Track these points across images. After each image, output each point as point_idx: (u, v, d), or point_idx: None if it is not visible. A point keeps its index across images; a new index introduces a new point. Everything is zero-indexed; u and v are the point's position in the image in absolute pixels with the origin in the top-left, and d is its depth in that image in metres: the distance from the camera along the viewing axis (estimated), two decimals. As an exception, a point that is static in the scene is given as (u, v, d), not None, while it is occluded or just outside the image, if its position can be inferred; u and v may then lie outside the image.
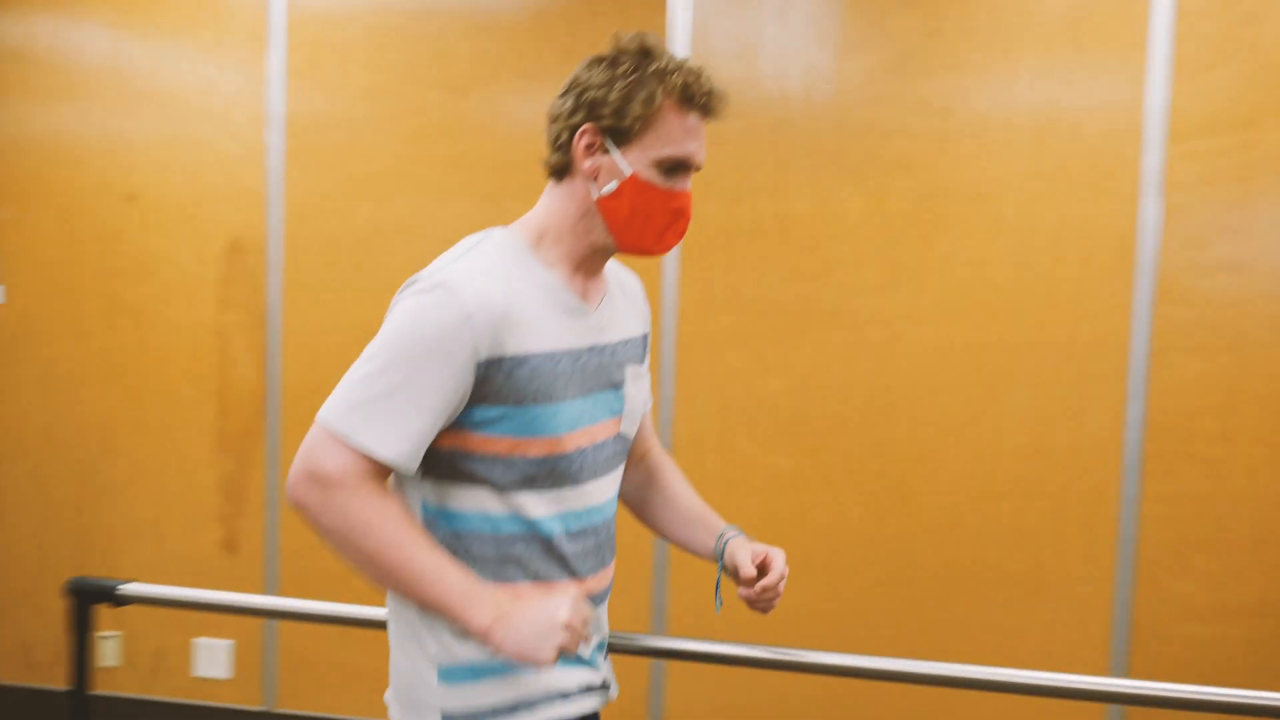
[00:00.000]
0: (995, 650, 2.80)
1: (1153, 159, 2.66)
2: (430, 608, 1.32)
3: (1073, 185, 2.70)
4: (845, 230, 2.83)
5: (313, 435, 1.29)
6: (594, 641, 1.49)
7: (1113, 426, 2.72)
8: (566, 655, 1.37)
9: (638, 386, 1.53)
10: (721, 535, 1.58)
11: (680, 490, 1.66)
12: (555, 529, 1.39)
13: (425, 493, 1.38)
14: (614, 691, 1.53)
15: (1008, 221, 2.75)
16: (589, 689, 1.46)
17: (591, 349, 1.43)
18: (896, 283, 2.81)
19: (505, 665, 1.36)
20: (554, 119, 1.42)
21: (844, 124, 2.81)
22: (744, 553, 1.51)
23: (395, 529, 1.29)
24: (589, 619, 1.32)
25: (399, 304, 1.33)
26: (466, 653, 1.36)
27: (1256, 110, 2.61)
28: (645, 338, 1.59)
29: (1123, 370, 2.71)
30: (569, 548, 1.41)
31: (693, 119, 1.39)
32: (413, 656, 1.39)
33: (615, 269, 1.58)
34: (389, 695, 1.43)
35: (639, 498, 1.67)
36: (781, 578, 1.50)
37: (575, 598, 1.30)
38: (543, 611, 1.28)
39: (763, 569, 1.51)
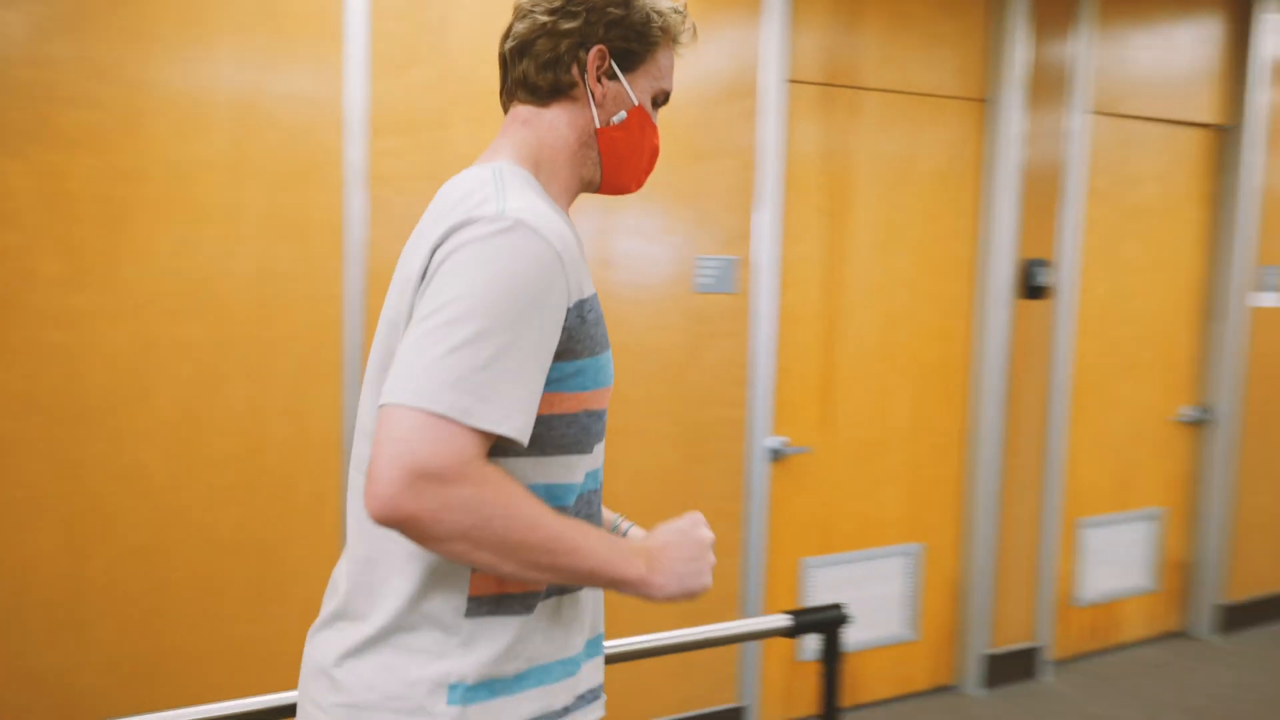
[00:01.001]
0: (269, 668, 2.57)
1: (355, 152, 2.67)
2: (579, 579, 1.11)
3: (280, 174, 2.60)
4: (11, 213, 2.37)
5: (403, 427, 1.00)
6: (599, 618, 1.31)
7: (331, 423, 2.67)
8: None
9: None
10: (617, 525, 1.40)
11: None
12: (590, 488, 1.23)
13: (515, 468, 1.15)
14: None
15: (212, 209, 2.54)
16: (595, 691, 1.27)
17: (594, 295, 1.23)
18: (82, 275, 2.43)
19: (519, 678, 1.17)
20: (547, 33, 1.22)
21: (1, 85, 2.35)
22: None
23: (530, 508, 1.07)
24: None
25: (470, 248, 1.06)
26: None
27: (445, 111, 2.77)
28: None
29: (338, 363, 2.68)
30: (594, 510, 1.25)
31: (675, 55, 1.30)
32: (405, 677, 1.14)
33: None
34: None
35: None
36: None
37: (699, 515, 1.21)
38: (685, 537, 1.18)
39: None
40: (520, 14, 1.27)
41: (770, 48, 3.18)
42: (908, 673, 3.77)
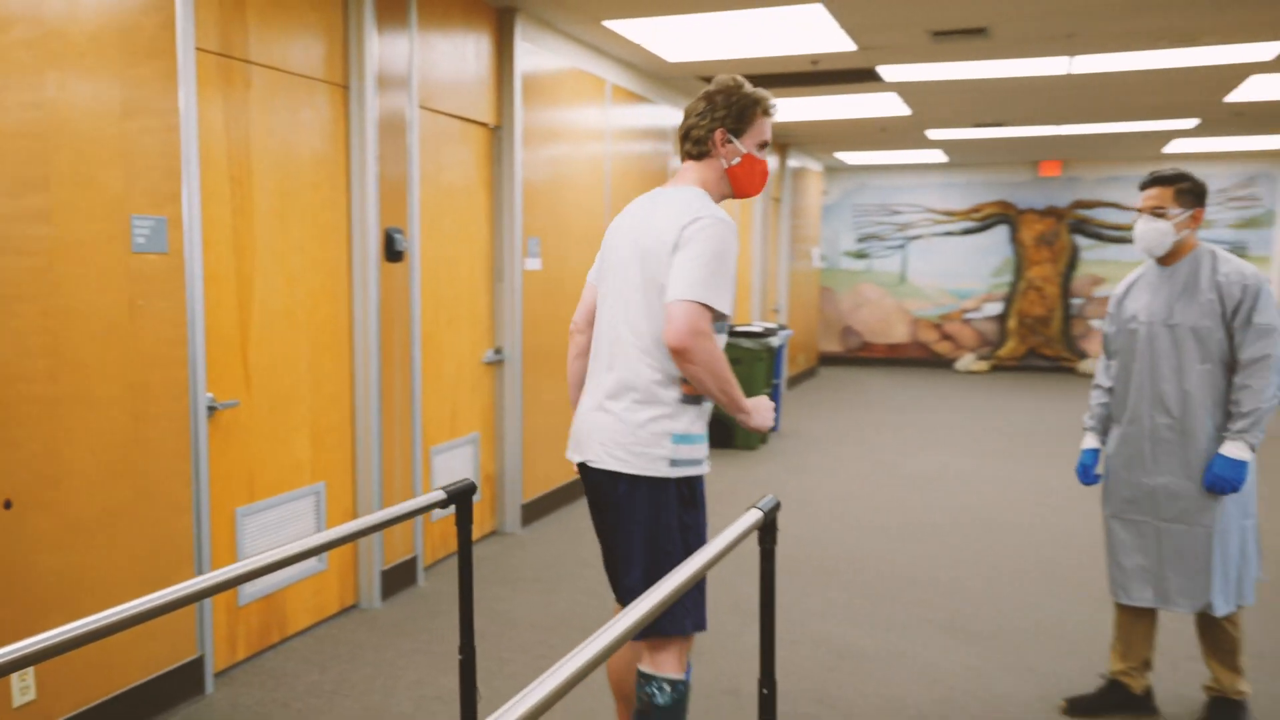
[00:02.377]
0: None
1: None
2: (726, 401, 2.44)
3: None
4: None
5: (686, 307, 2.34)
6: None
7: None
8: (697, 436, 2.55)
9: None
10: None
11: None
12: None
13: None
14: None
15: None
16: (704, 461, 2.58)
17: None
18: None
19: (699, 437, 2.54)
20: (695, 125, 2.59)
21: None
22: None
23: (725, 360, 2.43)
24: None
25: (706, 229, 2.41)
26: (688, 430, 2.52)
27: None
28: None
29: None
30: None
31: (769, 119, 2.61)
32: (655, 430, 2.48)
33: None
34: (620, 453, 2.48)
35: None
36: None
37: (770, 403, 2.58)
38: (766, 404, 2.57)
39: None
40: (686, 115, 2.62)
41: (182, 12, 3.28)
42: (321, 601, 4.16)
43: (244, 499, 3.72)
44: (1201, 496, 3.10)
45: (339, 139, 4.17)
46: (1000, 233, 13.59)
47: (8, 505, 2.79)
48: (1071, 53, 6.48)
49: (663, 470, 2.45)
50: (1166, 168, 3.21)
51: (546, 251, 5.81)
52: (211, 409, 3.51)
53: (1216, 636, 3.21)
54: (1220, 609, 3.11)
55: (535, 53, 5.59)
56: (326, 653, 3.86)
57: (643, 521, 2.47)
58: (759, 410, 2.54)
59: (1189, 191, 3.14)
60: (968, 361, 13.76)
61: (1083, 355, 13.39)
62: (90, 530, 3.04)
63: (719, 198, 2.61)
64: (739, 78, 2.62)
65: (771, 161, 10.59)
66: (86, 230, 2.99)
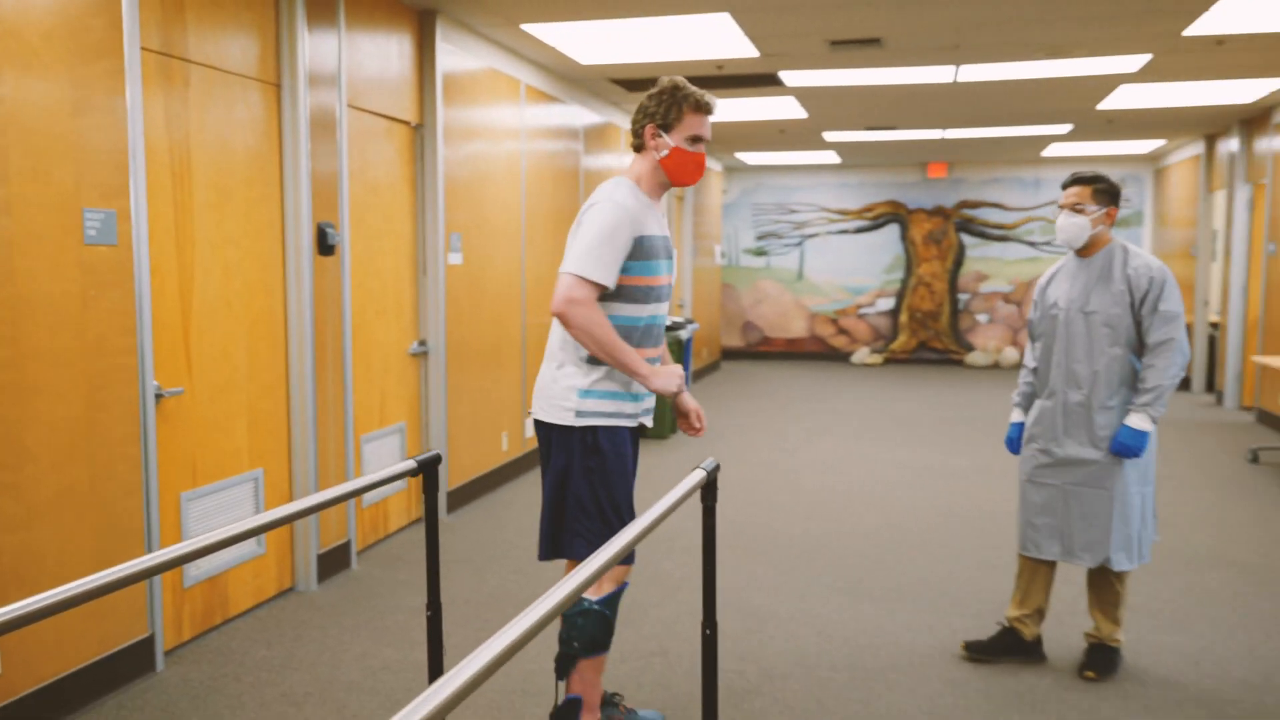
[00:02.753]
0: None
1: None
2: (621, 367, 2.80)
3: None
4: None
5: (566, 279, 2.76)
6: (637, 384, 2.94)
7: None
8: (617, 392, 2.90)
9: (671, 259, 3.00)
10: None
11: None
12: (643, 324, 2.92)
13: (608, 307, 2.86)
14: (644, 416, 3.01)
15: None
16: (628, 415, 2.94)
17: (664, 237, 2.97)
18: None
19: (608, 393, 2.90)
20: (634, 122, 2.96)
21: None
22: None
23: (608, 326, 2.77)
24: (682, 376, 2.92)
25: (592, 212, 2.82)
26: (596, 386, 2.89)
27: None
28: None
29: None
30: (643, 334, 2.93)
31: (704, 115, 2.90)
32: (564, 385, 2.89)
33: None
34: (543, 403, 2.94)
35: None
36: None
37: (678, 369, 2.89)
38: (671, 370, 2.87)
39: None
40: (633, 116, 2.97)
41: (128, 12, 3.39)
42: (261, 583, 4.29)
43: (188, 484, 3.84)
44: (1106, 463, 3.49)
45: (272, 136, 4.30)
46: (891, 231, 14.22)
47: (-29, 487, 2.88)
48: (957, 62, 6.96)
49: (569, 420, 2.86)
50: (1086, 169, 3.61)
51: (467, 246, 6.00)
52: (159, 396, 3.63)
53: (1105, 591, 3.61)
54: (1121, 564, 3.50)
55: (455, 53, 5.77)
56: (270, 631, 4.00)
57: (555, 466, 2.91)
58: (659, 375, 2.82)
59: (1105, 191, 3.53)
60: (863, 355, 14.35)
61: (970, 348, 14.10)
62: (48, 512, 3.14)
63: (656, 186, 2.95)
64: (679, 79, 2.91)
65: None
66: (41, 223, 3.09)
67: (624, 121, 9.15)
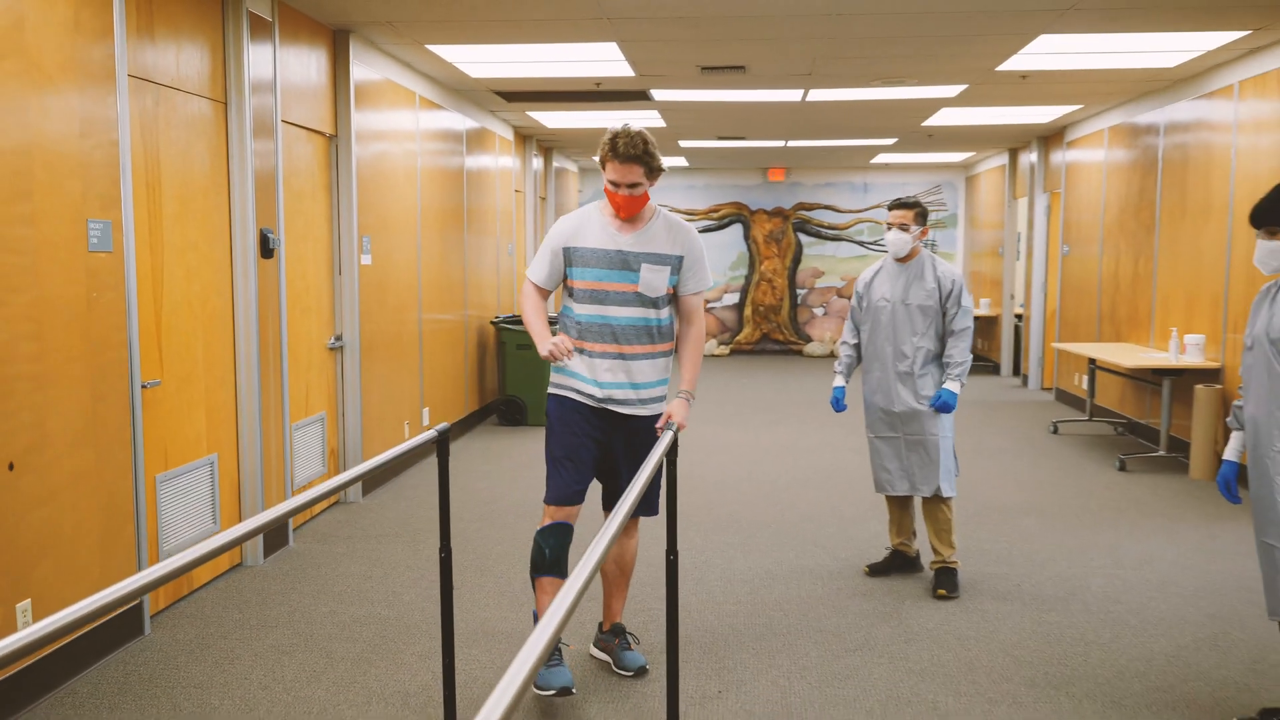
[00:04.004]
0: None
1: None
2: (533, 336, 3.48)
3: None
4: None
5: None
6: (604, 374, 3.50)
7: None
8: (568, 370, 3.51)
9: (653, 274, 3.45)
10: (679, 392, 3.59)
11: (683, 351, 3.62)
12: (584, 320, 3.49)
13: (566, 302, 3.52)
14: (608, 402, 3.51)
15: None
16: (585, 394, 3.50)
17: (618, 251, 3.46)
18: None
19: (560, 370, 3.53)
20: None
21: None
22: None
23: (531, 308, 3.53)
24: (567, 349, 3.38)
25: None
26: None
27: None
28: (674, 256, 3.50)
29: None
30: (586, 330, 3.48)
31: (617, 161, 3.37)
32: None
33: (675, 223, 3.57)
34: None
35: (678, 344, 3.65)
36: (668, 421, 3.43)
37: (560, 340, 3.38)
38: (545, 341, 3.40)
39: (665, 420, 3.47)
40: None
41: (119, 43, 3.77)
42: (215, 560, 4.70)
43: (161, 467, 4.23)
44: (928, 414, 4.49)
45: (220, 149, 4.70)
46: (736, 231, 15.24)
47: (10, 468, 3.26)
48: (807, 87, 7.87)
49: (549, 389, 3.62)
50: (908, 196, 4.64)
51: (375, 248, 6.46)
52: (143, 387, 4.02)
53: (939, 519, 4.54)
54: (948, 491, 4.51)
55: (362, 69, 6.22)
56: (234, 599, 4.43)
57: None
58: (542, 344, 3.39)
59: (921, 214, 4.56)
60: (710, 346, 15.31)
61: (808, 339, 15.29)
62: (65, 491, 3.53)
63: (611, 212, 3.49)
64: (613, 130, 3.37)
65: (537, 163, 11.57)
66: (58, 232, 3.47)
67: (499, 126, 9.69)
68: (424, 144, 7.44)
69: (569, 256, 3.49)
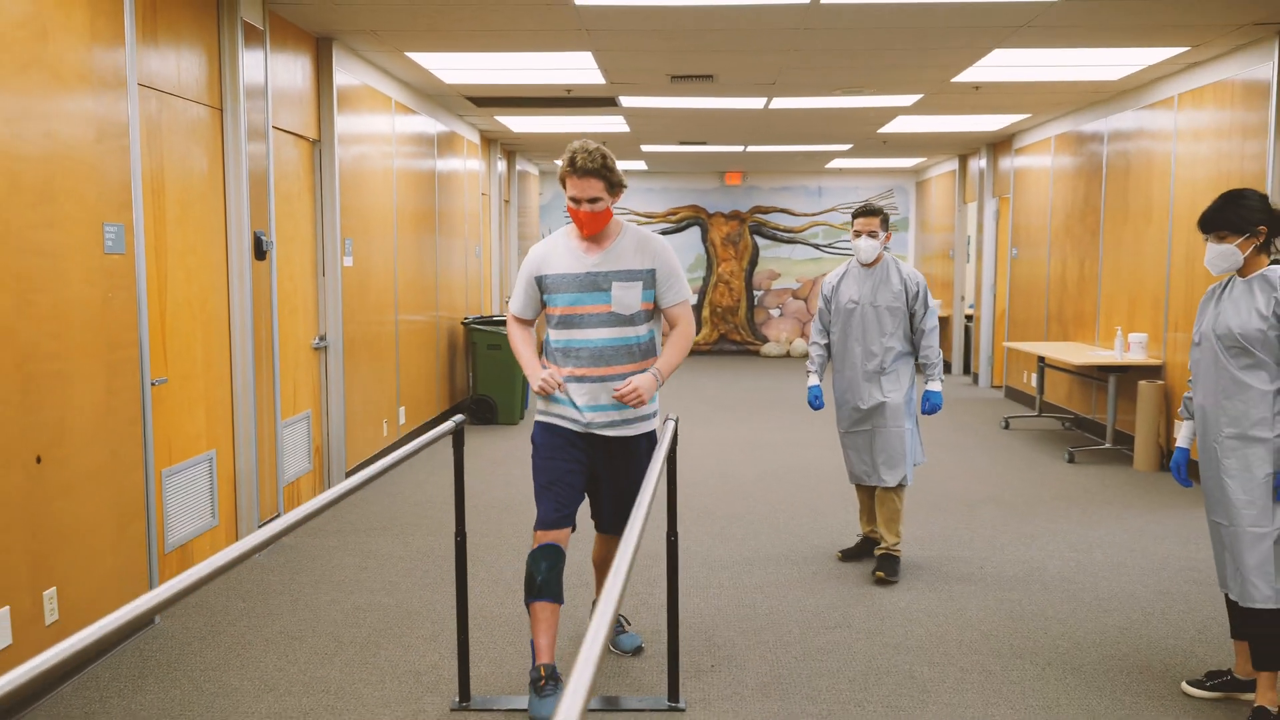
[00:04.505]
0: None
1: None
2: (522, 368, 3.51)
3: None
4: None
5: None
6: (583, 398, 3.47)
7: None
8: (554, 397, 3.49)
9: (624, 291, 3.43)
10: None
11: (667, 341, 3.53)
12: (563, 345, 3.48)
13: (546, 330, 3.52)
14: (591, 426, 3.48)
15: None
16: (570, 420, 3.49)
17: (587, 273, 3.43)
18: None
19: (544, 398, 3.51)
20: None
21: None
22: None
23: (517, 338, 3.61)
24: (557, 382, 3.42)
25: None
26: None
27: None
28: (644, 270, 3.46)
29: None
30: (566, 355, 3.48)
31: (576, 176, 3.35)
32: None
33: (644, 237, 3.52)
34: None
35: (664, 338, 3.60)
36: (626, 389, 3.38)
37: (550, 373, 3.42)
38: (536, 373, 3.44)
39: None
40: None
41: (129, 54, 3.92)
42: (215, 551, 4.83)
43: (166, 462, 4.37)
44: (895, 409, 4.73)
45: (216, 154, 4.84)
46: (694, 233, 15.53)
47: (38, 460, 3.40)
48: (771, 95, 8.16)
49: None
50: (876, 204, 4.83)
51: (356, 250, 6.61)
52: (152, 384, 4.15)
53: (890, 510, 4.82)
54: (909, 480, 4.78)
55: (343, 75, 6.38)
56: (236, 590, 4.58)
57: None
58: (533, 376, 3.42)
59: (886, 220, 4.81)
60: (669, 347, 15.57)
61: (764, 339, 15.62)
62: (84, 483, 3.67)
63: (578, 232, 3.48)
64: (572, 146, 3.36)
65: (501, 166, 11.75)
66: (76, 235, 3.62)
67: (466, 130, 9.86)
68: (399, 147, 7.60)
69: (542, 284, 3.47)
